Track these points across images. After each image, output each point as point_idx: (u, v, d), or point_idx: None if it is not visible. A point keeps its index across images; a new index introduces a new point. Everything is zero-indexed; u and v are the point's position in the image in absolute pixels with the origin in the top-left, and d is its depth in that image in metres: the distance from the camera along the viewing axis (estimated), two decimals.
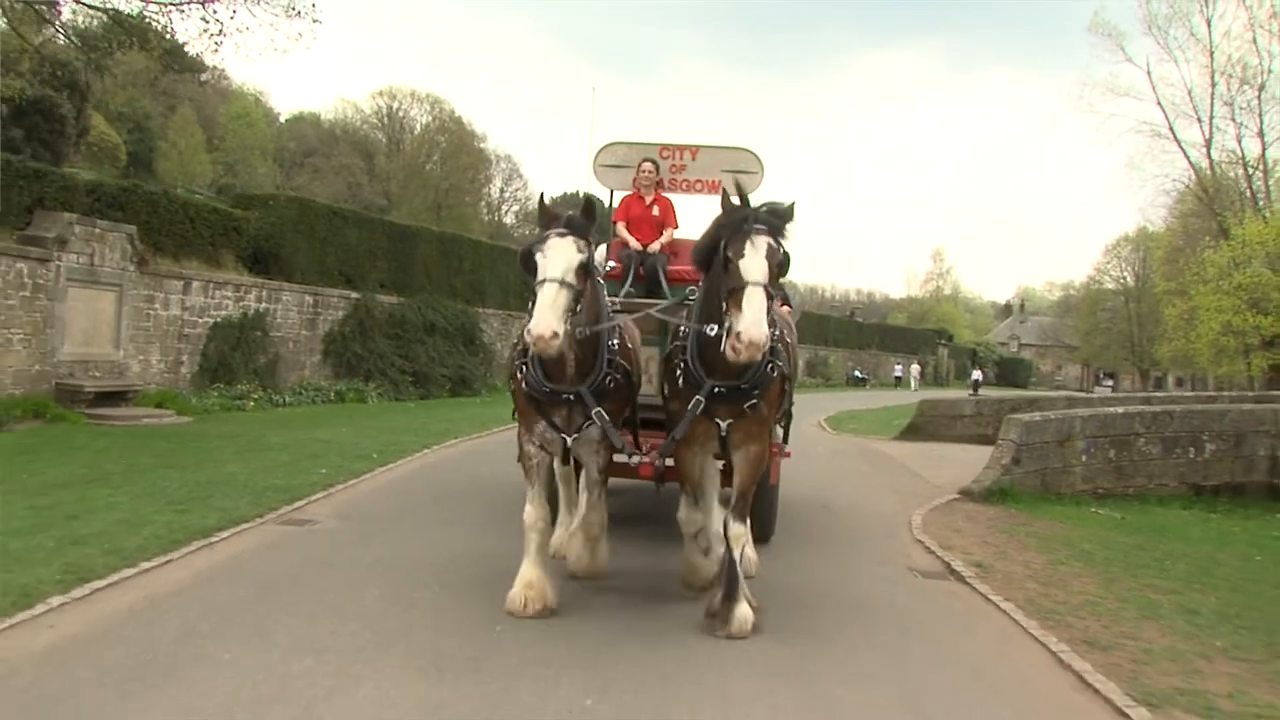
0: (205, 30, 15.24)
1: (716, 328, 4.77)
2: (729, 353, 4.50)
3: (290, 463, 10.19)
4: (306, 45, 18.94)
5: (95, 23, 17.59)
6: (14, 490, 7.85)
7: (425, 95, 57.71)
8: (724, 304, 4.68)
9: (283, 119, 57.75)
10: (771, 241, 4.66)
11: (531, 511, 5.30)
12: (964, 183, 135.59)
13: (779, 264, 4.70)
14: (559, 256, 4.69)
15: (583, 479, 5.99)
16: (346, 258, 21.07)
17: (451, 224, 46.74)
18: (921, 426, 16.49)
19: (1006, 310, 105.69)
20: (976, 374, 54.27)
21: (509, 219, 61.87)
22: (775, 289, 4.76)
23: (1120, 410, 11.59)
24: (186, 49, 17.20)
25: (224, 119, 47.68)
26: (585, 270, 4.79)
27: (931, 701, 4.39)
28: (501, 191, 61.08)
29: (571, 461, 6.00)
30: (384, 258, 22.35)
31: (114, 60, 16.66)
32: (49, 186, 14.26)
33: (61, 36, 18.89)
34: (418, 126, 57.33)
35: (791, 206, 4.90)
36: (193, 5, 15.78)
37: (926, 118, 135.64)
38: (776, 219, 4.80)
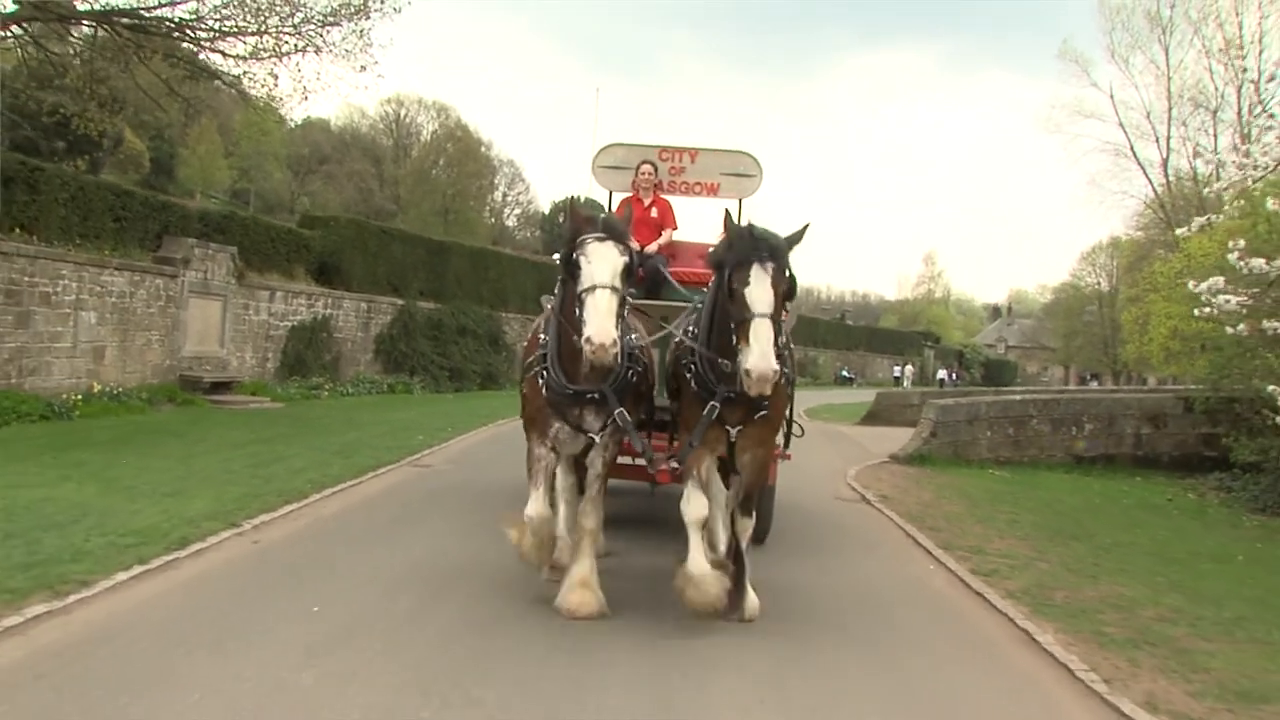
0: (295, 87, 18.58)
1: (730, 363, 4.78)
2: (743, 386, 4.60)
3: (390, 433, 13.64)
4: (370, 94, 22.12)
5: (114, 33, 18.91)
6: (220, 447, 11.27)
7: (432, 103, 59.69)
8: (734, 336, 4.68)
9: (293, 124, 60.22)
10: (777, 269, 4.65)
11: (533, 505, 5.30)
12: (961, 184, 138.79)
13: (785, 292, 4.73)
14: (605, 262, 4.66)
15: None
16: (393, 270, 24.55)
17: (458, 228, 49.71)
18: (878, 413, 20.03)
19: (997, 313, 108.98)
20: (943, 373, 58.45)
21: (510, 221, 65.10)
22: (786, 315, 4.75)
23: (1018, 397, 15.09)
24: (279, 102, 20.29)
25: (239, 126, 49.94)
26: (628, 273, 4.79)
27: (826, 551, 7.86)
28: (504, 196, 64.08)
29: (573, 472, 5.91)
30: (423, 269, 25.84)
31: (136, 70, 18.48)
32: (172, 216, 17.71)
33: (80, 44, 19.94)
34: (425, 133, 60.01)
35: (803, 231, 4.90)
36: (273, 60, 19.19)
37: (924, 118, 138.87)
38: (784, 244, 4.79)
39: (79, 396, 13.58)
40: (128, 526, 6.61)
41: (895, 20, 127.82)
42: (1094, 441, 15.20)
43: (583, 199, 5.62)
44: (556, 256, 5.14)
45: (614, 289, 4.61)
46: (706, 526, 5.37)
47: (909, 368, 60.93)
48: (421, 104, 60.22)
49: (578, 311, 4.66)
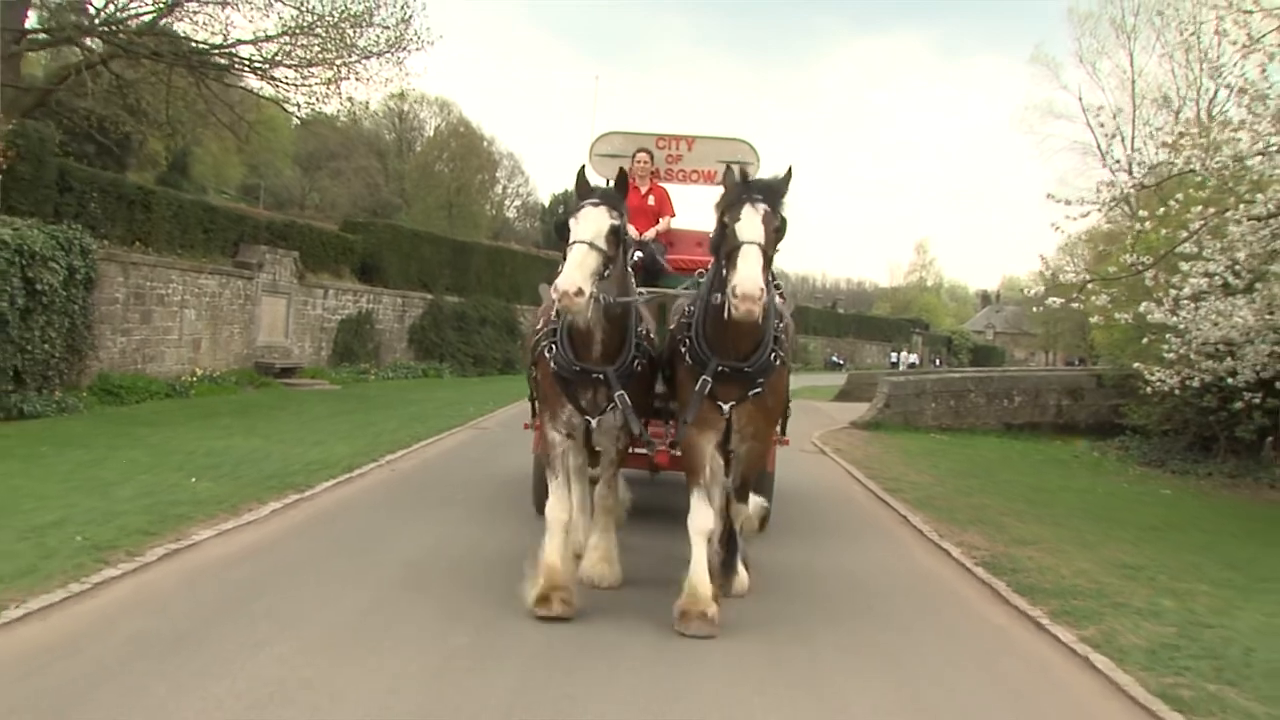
0: (346, 113, 21.64)
1: (720, 295, 4.83)
2: (731, 311, 4.62)
3: (444, 407, 16.76)
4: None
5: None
6: (318, 417, 14.36)
7: (434, 99, 61.87)
8: (723, 269, 4.78)
9: (299, 121, 62.15)
10: (768, 208, 4.78)
11: (555, 505, 5.31)
12: (957, 170, 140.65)
13: (776, 229, 4.81)
14: (590, 221, 4.80)
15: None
16: (423, 268, 27.65)
17: (462, 222, 52.54)
18: (850, 391, 23.23)
19: (986, 299, 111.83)
20: (914, 357, 62.74)
21: (510, 213, 67.97)
22: (772, 249, 4.81)
23: (958, 375, 18.23)
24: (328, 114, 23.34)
25: (251, 123, 51.93)
26: (616, 236, 4.87)
27: (784, 481, 10.98)
28: (504, 189, 66.79)
29: (583, 453, 5.68)
30: (449, 267, 28.93)
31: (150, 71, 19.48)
32: (246, 226, 20.79)
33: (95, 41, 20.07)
34: (428, 129, 62.63)
35: (788, 175, 5.01)
36: (325, 87, 22.19)
37: (919, 104, 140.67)
38: (772, 191, 4.90)
39: (193, 378, 16.69)
40: (304, 460, 9.72)
41: (888, 5, 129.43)
42: (1022, 411, 18.35)
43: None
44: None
45: (593, 245, 4.73)
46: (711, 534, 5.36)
47: (902, 354, 64.79)
48: (424, 100, 62.34)
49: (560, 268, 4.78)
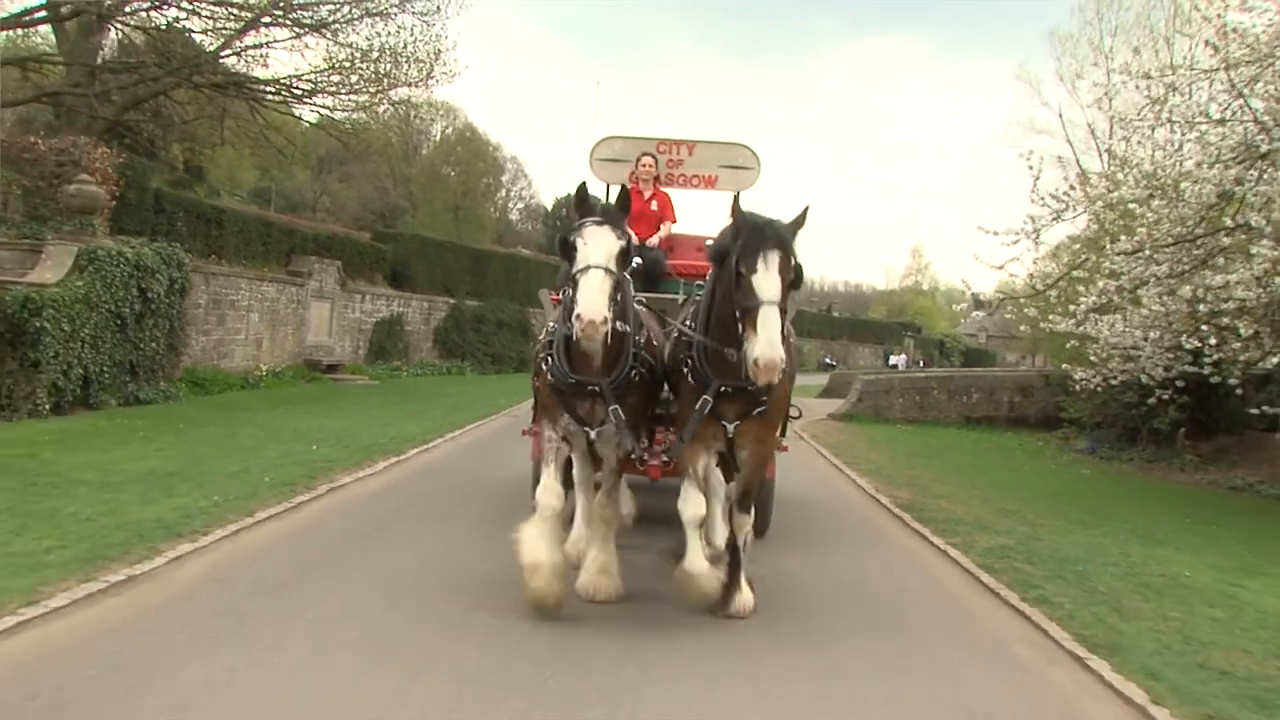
0: (383, 139, 24.29)
1: (736, 352, 4.77)
2: (751, 375, 4.58)
3: (477, 399, 19.39)
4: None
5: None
6: (374, 406, 16.98)
7: (440, 104, 64.06)
8: (739, 323, 4.69)
9: (308, 124, 64.28)
10: (784, 257, 4.70)
11: (546, 491, 5.29)
12: (957, 171, 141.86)
13: (791, 281, 4.72)
14: (600, 243, 4.74)
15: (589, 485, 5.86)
16: (447, 275, 30.33)
17: (467, 225, 55.15)
18: (832, 389, 25.94)
19: (978, 303, 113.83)
20: (902, 358, 65.99)
21: (514, 215, 70.50)
22: (788, 304, 4.73)
23: (923, 374, 20.91)
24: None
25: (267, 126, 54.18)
26: (624, 258, 4.86)
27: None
28: (507, 192, 69.29)
29: (589, 465, 5.80)
30: (469, 274, 31.62)
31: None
32: (297, 239, 23.47)
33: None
34: (435, 133, 65.12)
35: (804, 214, 4.96)
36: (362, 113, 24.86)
37: (916, 107, 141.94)
38: (789, 231, 4.84)
39: (260, 373, 19.34)
40: (387, 435, 12.35)
41: (888, 7, 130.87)
42: (979, 406, 21.03)
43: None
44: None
45: (608, 270, 4.70)
46: (704, 523, 5.39)
47: (900, 356, 68.15)
48: (430, 104, 64.39)
49: (571, 292, 4.77)
